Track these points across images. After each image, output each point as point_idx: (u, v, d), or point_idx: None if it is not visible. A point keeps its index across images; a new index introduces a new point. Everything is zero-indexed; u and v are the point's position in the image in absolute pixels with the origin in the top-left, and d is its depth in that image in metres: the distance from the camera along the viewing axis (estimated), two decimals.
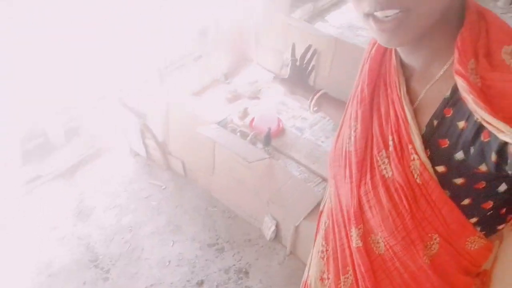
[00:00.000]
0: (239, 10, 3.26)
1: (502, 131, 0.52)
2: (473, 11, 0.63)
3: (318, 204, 1.88)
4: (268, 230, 2.11)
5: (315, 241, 1.03)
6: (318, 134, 2.76)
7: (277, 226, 2.09)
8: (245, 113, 2.82)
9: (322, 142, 2.71)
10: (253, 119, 2.77)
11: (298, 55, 1.29)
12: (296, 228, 1.95)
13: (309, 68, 1.24)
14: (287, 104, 3.01)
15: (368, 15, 0.60)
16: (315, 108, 1.13)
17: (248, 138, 2.59)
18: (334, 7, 4.51)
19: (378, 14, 0.58)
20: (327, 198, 0.96)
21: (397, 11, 0.57)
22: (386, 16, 0.58)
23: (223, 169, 2.22)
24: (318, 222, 1.02)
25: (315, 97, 1.12)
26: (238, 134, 2.58)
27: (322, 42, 2.89)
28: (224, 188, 2.29)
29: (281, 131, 2.73)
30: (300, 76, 1.20)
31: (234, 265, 2.04)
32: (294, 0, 3.75)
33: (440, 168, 0.66)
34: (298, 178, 2.15)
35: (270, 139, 2.60)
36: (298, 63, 1.23)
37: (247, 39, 3.30)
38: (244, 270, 2.03)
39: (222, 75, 3.22)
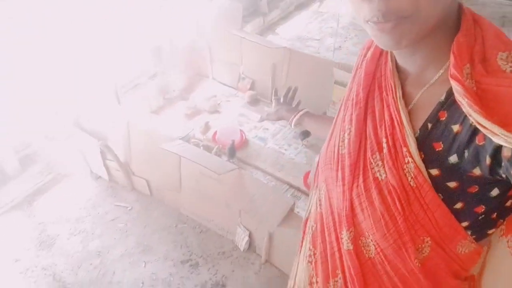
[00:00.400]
0: (192, 27, 3.28)
1: (497, 134, 0.53)
2: (469, 18, 0.64)
3: (291, 210, 1.90)
4: (242, 241, 2.10)
5: (301, 247, 1.02)
6: (280, 143, 2.81)
7: (250, 236, 2.08)
8: (206, 128, 2.82)
9: (285, 150, 2.75)
10: (215, 133, 2.78)
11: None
12: (270, 236, 1.96)
13: (293, 104, 1.34)
14: (247, 116, 3.04)
15: (368, 21, 0.61)
16: (297, 124, 1.22)
17: (213, 151, 2.59)
18: (283, 21, 4.63)
19: (379, 21, 0.60)
20: (313, 203, 0.95)
21: (396, 20, 0.58)
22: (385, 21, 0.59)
23: (190, 184, 2.20)
24: (304, 229, 1.02)
25: (296, 116, 1.21)
26: (202, 148, 2.57)
27: (276, 53, 2.96)
28: (192, 203, 2.27)
29: (244, 143, 2.75)
30: (281, 106, 1.32)
31: (210, 279, 2.01)
32: (244, 15, 3.82)
33: (434, 171, 0.66)
34: (269, 186, 2.16)
35: (235, 151, 2.61)
36: (281, 101, 1.35)
37: (202, 55, 3.31)
38: (221, 283, 2.00)
39: (179, 91, 3.21)
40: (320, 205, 0.89)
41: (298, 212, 2.04)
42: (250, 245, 2.12)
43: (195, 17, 3.23)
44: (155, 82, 3.08)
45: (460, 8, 0.66)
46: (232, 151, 2.59)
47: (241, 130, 2.80)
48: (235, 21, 3.09)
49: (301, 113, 1.21)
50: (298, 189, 2.44)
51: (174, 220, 2.29)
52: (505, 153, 0.55)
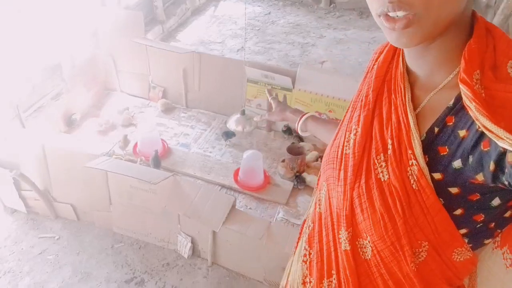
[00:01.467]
0: (91, 40, 3.13)
1: (502, 138, 0.54)
2: (482, 26, 0.65)
3: (233, 206, 1.93)
4: (185, 248, 2.08)
5: (296, 248, 1.03)
6: (204, 146, 2.81)
7: (193, 241, 2.07)
8: (125, 142, 2.72)
9: (210, 152, 2.77)
10: (136, 145, 2.69)
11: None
12: (214, 236, 1.96)
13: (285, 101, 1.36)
14: (165, 124, 2.99)
15: (380, 15, 0.62)
16: (303, 129, 1.21)
17: (137, 163, 2.51)
18: (182, 27, 4.62)
19: (390, 14, 0.61)
20: (312, 204, 0.96)
21: (406, 13, 0.59)
22: (397, 16, 0.60)
23: (122, 201, 2.11)
24: (301, 229, 1.03)
25: (302, 119, 1.19)
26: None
27: (186, 58, 2.95)
28: (126, 220, 2.18)
29: (167, 151, 2.71)
30: (283, 107, 1.30)
31: None
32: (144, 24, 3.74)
33: (437, 175, 0.67)
34: (208, 187, 2.16)
35: (159, 161, 2.56)
36: (279, 99, 1.35)
37: (106, 68, 3.18)
38: None
39: (88, 108, 3.05)
40: (319, 205, 0.90)
41: (241, 208, 2.07)
42: (194, 250, 2.11)
43: (94, 28, 3.09)
44: (59, 102, 2.89)
45: (473, 16, 0.67)
46: (156, 161, 2.54)
47: (162, 139, 2.75)
48: (137, 30, 3.02)
49: (305, 116, 1.20)
50: (231, 188, 2.47)
51: (109, 241, 2.18)
52: (510, 159, 0.55)
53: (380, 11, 0.62)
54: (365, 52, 4.24)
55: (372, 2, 0.63)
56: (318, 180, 0.96)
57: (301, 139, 2.83)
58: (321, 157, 2.68)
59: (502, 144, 0.54)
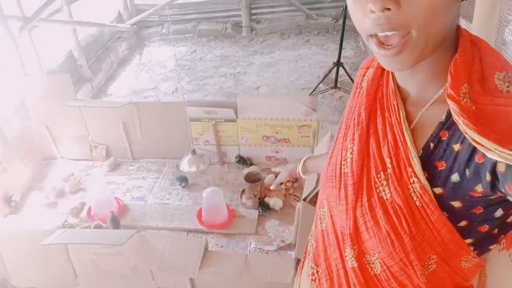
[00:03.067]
0: (21, 113, 3.00)
1: (491, 150, 0.55)
2: (467, 39, 0.66)
3: (206, 248, 1.89)
4: None
5: (302, 268, 1.02)
6: (160, 195, 2.75)
7: None
8: (79, 209, 2.59)
9: (168, 199, 2.70)
10: (89, 210, 2.58)
11: None
12: (193, 284, 1.91)
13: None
14: (115, 182, 2.90)
15: (371, 36, 0.62)
16: (304, 172, 1.29)
17: (92, 227, 2.40)
18: (111, 81, 4.56)
19: (380, 35, 0.61)
20: (313, 221, 0.96)
21: (396, 35, 0.59)
22: (389, 44, 0.61)
23: (87, 271, 2.00)
24: (306, 248, 1.02)
25: (300, 164, 1.28)
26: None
27: (122, 111, 2.90)
28: None
29: (124, 209, 2.61)
30: (288, 166, 1.38)
31: None
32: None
33: (437, 190, 0.68)
34: (175, 236, 2.10)
35: (118, 221, 2.46)
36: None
37: (42, 138, 3.05)
38: None
39: (30, 183, 2.89)
40: (321, 223, 0.90)
41: (212, 248, 2.03)
42: None
43: (20, 99, 2.97)
44: None
45: (458, 30, 0.68)
46: (115, 222, 2.44)
47: (116, 198, 2.65)
48: (67, 92, 2.93)
49: (303, 160, 1.28)
50: (197, 231, 2.42)
51: None
52: (500, 169, 0.57)
53: (370, 31, 0.62)
54: (294, 70, 4.40)
55: (360, 24, 0.63)
56: (318, 197, 0.97)
57: (251, 165, 2.85)
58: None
59: (491, 156, 0.56)
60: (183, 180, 2.76)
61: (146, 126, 2.97)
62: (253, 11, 5.42)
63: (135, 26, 5.33)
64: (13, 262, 2.01)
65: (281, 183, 1.41)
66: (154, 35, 5.51)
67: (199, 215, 2.47)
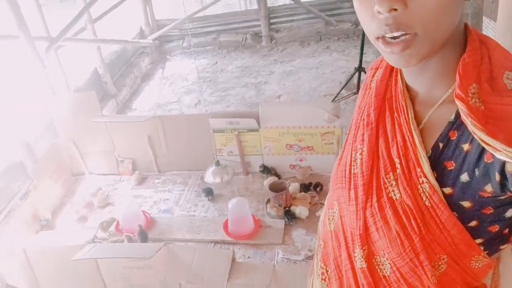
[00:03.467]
0: (50, 131, 3.09)
1: (499, 150, 0.55)
2: (475, 38, 0.66)
3: (233, 260, 1.88)
4: None
5: (312, 267, 1.02)
6: (186, 207, 2.77)
7: None
8: (109, 223, 2.63)
9: (194, 211, 2.72)
10: (118, 223, 2.61)
11: None
12: None
13: None
14: (142, 195, 2.93)
15: (378, 38, 0.62)
16: None
17: (124, 242, 2.43)
18: (135, 96, 4.64)
19: (387, 35, 0.61)
20: (320, 221, 0.96)
21: (404, 33, 0.59)
22: (394, 38, 0.60)
23: (118, 285, 2.03)
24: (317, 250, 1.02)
25: None
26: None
27: (147, 125, 2.95)
28: None
29: (151, 222, 2.64)
30: None
31: None
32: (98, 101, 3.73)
33: (447, 190, 0.67)
34: (203, 248, 2.11)
35: (146, 234, 2.49)
36: None
37: (70, 155, 3.12)
38: None
39: (60, 199, 2.96)
40: (330, 223, 0.90)
41: (239, 259, 2.02)
42: None
43: (49, 118, 3.05)
44: (29, 201, 2.79)
45: (466, 28, 0.68)
46: (143, 236, 2.47)
47: (143, 211, 2.69)
48: (93, 109, 3.00)
49: None
50: (224, 242, 2.43)
51: None
52: (509, 169, 0.57)
53: (378, 33, 0.62)
54: (315, 77, 4.38)
55: (368, 26, 0.63)
56: (328, 198, 0.96)
57: (278, 175, 2.84)
58: (303, 185, 2.69)
59: (499, 156, 0.56)
60: (209, 192, 2.77)
61: (170, 139, 3.01)
62: (272, 21, 5.43)
63: (156, 41, 5.42)
64: (46, 277, 2.06)
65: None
66: (176, 49, 5.59)
67: (225, 226, 2.47)
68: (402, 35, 0.59)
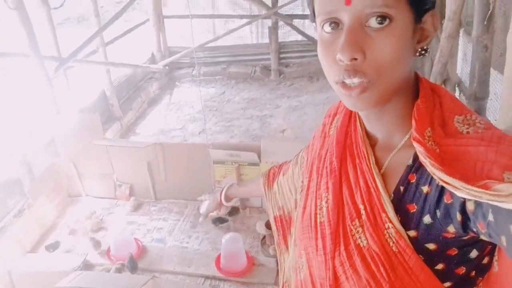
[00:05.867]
0: (50, 149, 3.08)
1: (459, 188, 0.56)
2: (426, 86, 0.72)
3: None
4: None
5: None
6: (180, 237, 2.71)
7: None
8: (97, 244, 2.58)
9: (187, 243, 2.66)
10: (109, 250, 2.56)
11: None
12: None
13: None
14: (136, 222, 2.88)
15: (337, 82, 0.67)
16: (227, 200, 1.36)
17: (111, 271, 2.37)
18: (140, 120, 4.66)
19: (346, 81, 0.65)
20: (290, 268, 0.94)
21: (361, 80, 0.64)
22: (353, 83, 0.64)
23: None
24: None
25: (223, 193, 1.35)
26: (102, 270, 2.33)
27: (148, 151, 2.93)
28: None
29: (143, 251, 2.58)
30: (215, 196, 1.44)
31: None
32: (101, 122, 3.74)
33: (411, 233, 0.68)
34: (190, 285, 2.04)
35: (136, 263, 2.42)
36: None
37: (68, 175, 3.10)
38: None
39: (53, 219, 2.91)
40: (300, 273, 0.88)
41: None
42: None
43: (51, 137, 3.05)
44: (22, 219, 2.75)
45: (417, 77, 0.74)
46: (133, 264, 2.41)
47: (135, 239, 2.63)
48: (95, 131, 3.00)
49: (226, 187, 1.35)
50: (214, 277, 2.36)
51: None
52: (469, 207, 0.59)
53: (337, 79, 0.66)
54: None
55: (329, 71, 0.68)
56: (280, 242, 1.00)
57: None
58: None
59: (460, 194, 0.57)
60: (217, 220, 2.73)
61: (170, 167, 2.98)
62: (282, 55, 5.50)
63: (167, 67, 5.49)
64: None
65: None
66: (185, 76, 5.65)
67: (217, 261, 2.41)
68: (359, 81, 0.64)
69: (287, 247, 1.11)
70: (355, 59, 0.62)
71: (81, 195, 3.17)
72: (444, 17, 2.79)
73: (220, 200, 1.37)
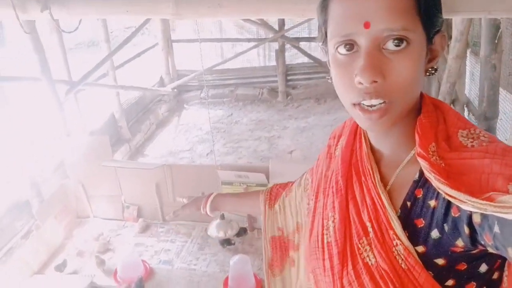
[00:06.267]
0: (59, 172, 3.10)
1: (464, 202, 0.57)
2: (429, 102, 0.73)
3: None
4: None
5: None
6: (188, 259, 2.68)
7: None
8: (101, 262, 2.56)
9: (194, 265, 2.63)
10: (115, 272, 2.53)
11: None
12: None
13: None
14: (144, 243, 2.86)
15: (355, 105, 0.67)
16: (213, 209, 1.31)
17: None
18: (148, 141, 4.69)
19: (365, 103, 0.66)
20: None
21: (381, 101, 0.65)
22: (371, 106, 0.65)
23: None
24: None
25: (209, 200, 1.29)
26: None
27: (156, 173, 2.93)
28: None
29: (150, 273, 2.55)
30: (196, 199, 1.42)
31: None
32: (111, 145, 3.77)
33: (420, 248, 0.68)
34: None
35: (143, 286, 2.40)
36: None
37: (77, 197, 3.11)
38: None
39: (61, 241, 2.90)
40: None
41: None
42: None
43: (61, 159, 3.07)
44: (30, 241, 2.75)
45: (420, 95, 0.75)
46: (140, 286, 2.38)
47: (143, 261, 2.61)
48: (105, 153, 3.02)
49: (212, 196, 1.31)
50: None
51: None
52: (475, 220, 0.59)
53: (356, 100, 0.67)
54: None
55: (345, 93, 0.68)
56: (276, 265, 1.00)
57: None
58: None
59: (465, 207, 0.57)
60: (225, 241, 2.69)
61: (178, 188, 2.98)
62: (289, 77, 5.55)
63: (175, 90, 5.56)
64: None
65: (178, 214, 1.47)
66: (193, 98, 5.71)
67: (225, 284, 2.37)
68: (379, 103, 0.65)
69: (281, 270, 1.11)
70: (375, 81, 0.63)
71: (89, 216, 3.17)
72: (451, 38, 2.81)
73: (205, 207, 1.32)
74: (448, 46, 2.71)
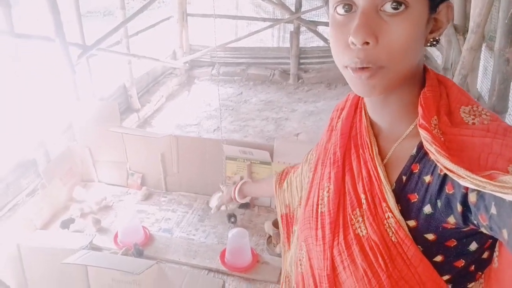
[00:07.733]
0: (67, 134, 3.13)
1: (463, 177, 0.55)
2: (433, 77, 0.72)
3: (223, 286, 1.83)
4: None
5: None
6: (187, 229, 2.73)
7: None
8: (96, 222, 2.63)
9: (193, 235, 2.68)
10: (116, 235, 2.59)
11: None
12: None
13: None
14: (146, 211, 2.92)
15: (347, 67, 0.66)
16: (241, 197, 1.37)
17: (118, 255, 2.39)
18: (157, 113, 4.71)
19: (355, 66, 0.65)
20: (292, 263, 0.94)
21: (370, 66, 0.63)
22: (362, 68, 0.64)
23: None
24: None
25: (237, 188, 1.36)
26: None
27: (162, 142, 2.97)
28: None
29: (149, 239, 2.61)
30: (230, 188, 1.44)
31: None
32: (120, 113, 3.80)
33: (411, 223, 0.68)
34: (194, 272, 2.06)
35: (142, 250, 2.45)
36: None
37: (83, 160, 3.15)
38: None
39: (65, 202, 2.96)
40: (301, 265, 0.88)
41: None
42: None
43: (69, 122, 3.11)
44: (35, 199, 2.81)
45: (425, 69, 0.74)
46: (139, 251, 2.43)
47: (143, 227, 2.66)
48: (113, 119, 3.05)
49: (239, 184, 1.35)
50: (218, 271, 2.37)
51: None
52: (471, 199, 0.58)
53: (348, 63, 0.66)
54: None
55: (339, 54, 0.67)
56: (285, 240, 1.00)
57: None
58: None
59: (463, 183, 0.56)
60: (231, 216, 2.73)
61: (183, 159, 3.01)
62: (302, 61, 5.52)
63: (187, 64, 5.55)
64: (33, 276, 2.03)
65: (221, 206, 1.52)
66: (204, 74, 5.70)
67: (222, 255, 2.42)
68: (369, 68, 0.64)
69: (289, 246, 1.11)
70: (367, 43, 0.62)
71: (94, 180, 3.22)
72: (468, 30, 2.78)
73: (234, 195, 1.37)
74: (464, 37, 2.69)
